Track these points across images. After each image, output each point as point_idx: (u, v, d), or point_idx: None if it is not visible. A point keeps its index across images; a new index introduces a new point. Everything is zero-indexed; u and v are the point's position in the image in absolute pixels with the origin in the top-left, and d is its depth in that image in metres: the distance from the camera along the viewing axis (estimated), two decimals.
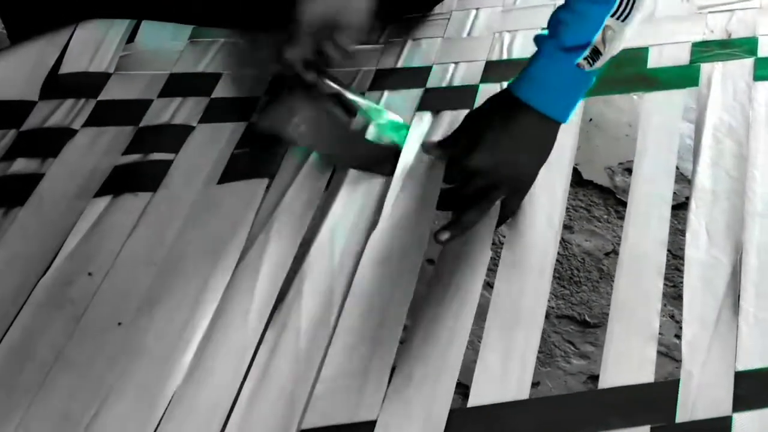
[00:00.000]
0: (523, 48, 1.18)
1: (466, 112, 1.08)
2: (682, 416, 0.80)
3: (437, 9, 1.25)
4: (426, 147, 1.03)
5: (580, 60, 0.93)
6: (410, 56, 1.18)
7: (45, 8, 1.14)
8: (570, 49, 0.93)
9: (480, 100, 1.10)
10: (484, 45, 1.20)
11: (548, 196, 0.99)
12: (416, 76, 1.15)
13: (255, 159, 1.01)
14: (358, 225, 0.96)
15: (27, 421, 0.79)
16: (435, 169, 1.01)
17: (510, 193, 0.97)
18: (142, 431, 0.78)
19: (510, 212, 0.98)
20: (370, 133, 1.06)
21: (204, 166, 1.01)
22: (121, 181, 0.98)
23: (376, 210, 0.97)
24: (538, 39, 0.97)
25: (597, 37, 0.93)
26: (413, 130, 1.06)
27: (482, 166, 0.96)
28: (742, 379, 0.83)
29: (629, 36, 0.95)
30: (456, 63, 1.17)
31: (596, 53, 0.93)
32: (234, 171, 1.01)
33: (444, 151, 1.01)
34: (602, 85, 1.07)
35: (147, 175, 0.99)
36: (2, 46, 1.15)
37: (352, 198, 0.98)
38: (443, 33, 1.22)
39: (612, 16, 0.92)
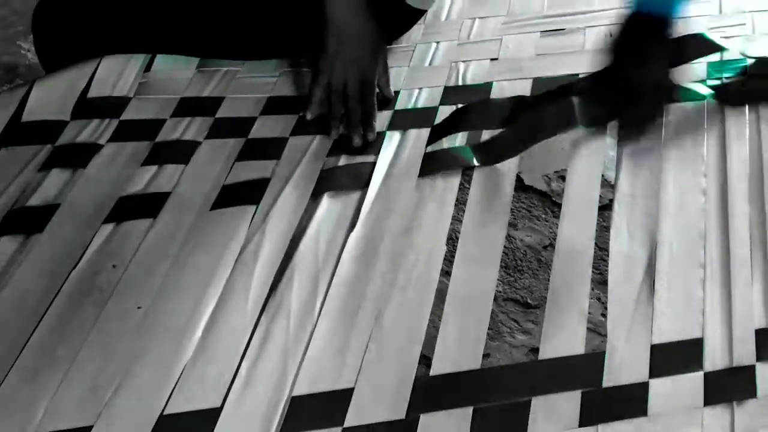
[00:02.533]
0: (475, 75, 1.17)
1: (428, 130, 1.08)
2: (607, 382, 0.81)
3: (404, 42, 1.24)
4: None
5: None
6: None
7: (72, 42, 1.13)
8: None
9: (439, 120, 1.10)
10: (442, 73, 1.19)
11: (497, 199, 0.99)
12: (386, 100, 1.13)
13: (243, 188, 1.00)
14: (340, 227, 0.95)
15: (62, 390, 0.78)
16: (404, 182, 1.01)
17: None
18: (157, 399, 0.78)
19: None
20: None
21: (199, 193, 0.99)
22: (127, 209, 0.97)
23: (354, 215, 0.96)
24: None
25: None
26: (385, 147, 1.05)
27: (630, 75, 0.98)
28: (656, 351, 0.83)
29: None
30: (420, 88, 1.16)
31: None
32: (224, 200, 0.99)
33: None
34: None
35: (148, 204, 0.98)
36: (37, 74, 1.14)
37: (334, 205, 0.98)
38: (409, 62, 1.21)
39: None
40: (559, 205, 0.98)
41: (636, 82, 0.98)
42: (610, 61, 0.99)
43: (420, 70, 1.20)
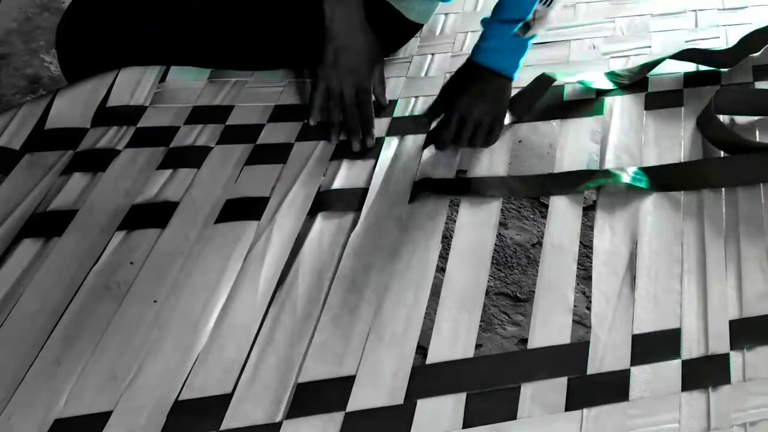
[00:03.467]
0: None
1: (424, 135, 1.08)
2: (591, 369, 0.81)
3: (401, 54, 1.25)
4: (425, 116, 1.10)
5: (516, 30, 1.01)
6: None
7: (92, 55, 1.13)
8: (505, 21, 1.02)
9: (434, 126, 1.10)
10: (437, 83, 1.19)
11: (488, 200, 0.99)
12: (386, 107, 1.14)
13: (246, 204, 0.99)
14: (341, 225, 0.96)
15: (83, 378, 0.79)
16: (401, 184, 1.01)
17: (487, 130, 1.06)
18: (174, 385, 0.79)
19: (493, 141, 1.07)
20: None
21: (212, 194, 1.00)
22: (139, 218, 0.97)
23: (355, 215, 0.97)
24: (483, 21, 1.06)
25: (530, 17, 1.00)
26: (383, 151, 1.06)
27: (464, 115, 1.05)
28: (637, 340, 0.84)
29: (553, 16, 1.03)
30: (416, 97, 1.17)
31: (527, 27, 1.01)
32: (235, 202, 0.99)
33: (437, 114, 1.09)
34: (530, 114, 1.10)
35: (158, 214, 0.97)
36: (60, 85, 1.14)
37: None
38: (406, 73, 1.22)
39: (540, 2, 1.01)
40: (547, 206, 0.99)
41: (463, 122, 1.05)
42: (447, 101, 1.07)
43: (416, 80, 1.20)
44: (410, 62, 1.24)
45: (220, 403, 0.77)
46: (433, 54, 1.25)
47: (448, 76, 1.20)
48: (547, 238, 0.94)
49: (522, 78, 1.10)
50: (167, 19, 1.14)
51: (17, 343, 0.82)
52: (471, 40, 1.28)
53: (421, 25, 1.26)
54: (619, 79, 1.16)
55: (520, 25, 1.01)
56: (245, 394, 0.78)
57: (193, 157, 1.05)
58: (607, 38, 1.28)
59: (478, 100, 1.04)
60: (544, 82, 1.13)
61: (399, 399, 0.79)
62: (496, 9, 1.04)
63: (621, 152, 1.05)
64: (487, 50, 1.04)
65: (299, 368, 0.80)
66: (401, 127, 1.11)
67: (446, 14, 1.34)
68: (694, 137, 1.07)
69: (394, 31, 1.21)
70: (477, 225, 0.96)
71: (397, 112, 1.13)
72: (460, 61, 1.22)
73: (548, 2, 1.00)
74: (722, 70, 1.17)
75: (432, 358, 0.82)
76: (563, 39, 1.26)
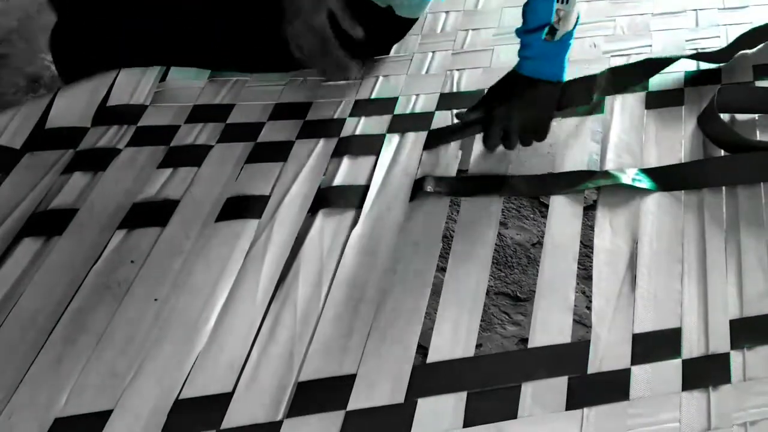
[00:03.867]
0: (468, 83, 1.18)
1: (425, 133, 1.08)
2: (591, 369, 0.81)
3: (402, 51, 1.25)
4: (461, 115, 1.07)
5: (544, 36, 0.99)
6: (381, 89, 1.18)
7: (92, 55, 1.14)
8: (532, 30, 1.00)
9: (435, 124, 1.10)
10: (438, 80, 1.19)
11: (488, 200, 0.99)
12: (386, 105, 1.14)
13: (246, 202, 0.99)
14: (342, 223, 0.95)
15: (83, 376, 0.79)
16: (402, 183, 1.01)
17: (534, 133, 1.05)
18: (174, 384, 0.79)
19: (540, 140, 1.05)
20: None
21: (212, 192, 1.00)
22: (140, 217, 0.97)
23: (356, 213, 0.97)
24: (516, 32, 1.04)
25: (554, 18, 0.98)
26: (384, 149, 1.06)
27: (513, 123, 1.03)
28: (638, 340, 0.83)
29: (576, 11, 1.01)
30: (417, 95, 1.16)
31: (554, 30, 0.99)
32: (236, 200, 0.99)
33: (479, 112, 1.05)
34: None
35: (159, 213, 0.97)
36: (56, 85, 1.15)
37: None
38: (407, 71, 1.22)
39: (558, 2, 0.98)
40: (547, 206, 0.99)
41: (508, 130, 1.04)
42: (486, 106, 1.05)
43: (417, 78, 1.20)
44: (411, 60, 1.24)
45: (221, 401, 0.77)
46: (434, 52, 1.25)
47: (448, 73, 1.20)
48: (548, 237, 0.94)
49: None
50: (167, 20, 1.14)
51: (18, 341, 0.82)
52: (472, 38, 1.28)
53: (414, 20, 1.25)
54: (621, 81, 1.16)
55: (546, 30, 1.00)
56: (245, 393, 0.78)
57: (194, 155, 1.05)
58: (607, 37, 1.27)
59: (522, 107, 1.03)
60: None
61: (399, 398, 0.79)
62: (522, 19, 1.03)
63: (622, 151, 1.05)
64: (525, 60, 1.03)
65: (300, 367, 0.80)
66: (402, 124, 1.11)
67: (447, 12, 1.34)
68: (694, 136, 1.07)
69: (386, 29, 1.21)
70: (477, 224, 0.96)
71: (398, 110, 1.13)
72: (461, 59, 1.22)
73: (566, 0, 0.99)
74: (721, 65, 1.17)
75: (432, 357, 0.82)
76: None
